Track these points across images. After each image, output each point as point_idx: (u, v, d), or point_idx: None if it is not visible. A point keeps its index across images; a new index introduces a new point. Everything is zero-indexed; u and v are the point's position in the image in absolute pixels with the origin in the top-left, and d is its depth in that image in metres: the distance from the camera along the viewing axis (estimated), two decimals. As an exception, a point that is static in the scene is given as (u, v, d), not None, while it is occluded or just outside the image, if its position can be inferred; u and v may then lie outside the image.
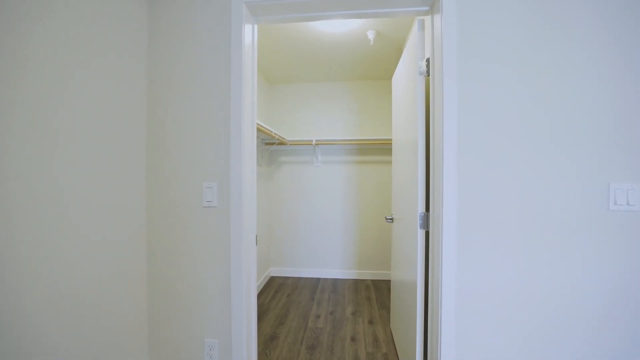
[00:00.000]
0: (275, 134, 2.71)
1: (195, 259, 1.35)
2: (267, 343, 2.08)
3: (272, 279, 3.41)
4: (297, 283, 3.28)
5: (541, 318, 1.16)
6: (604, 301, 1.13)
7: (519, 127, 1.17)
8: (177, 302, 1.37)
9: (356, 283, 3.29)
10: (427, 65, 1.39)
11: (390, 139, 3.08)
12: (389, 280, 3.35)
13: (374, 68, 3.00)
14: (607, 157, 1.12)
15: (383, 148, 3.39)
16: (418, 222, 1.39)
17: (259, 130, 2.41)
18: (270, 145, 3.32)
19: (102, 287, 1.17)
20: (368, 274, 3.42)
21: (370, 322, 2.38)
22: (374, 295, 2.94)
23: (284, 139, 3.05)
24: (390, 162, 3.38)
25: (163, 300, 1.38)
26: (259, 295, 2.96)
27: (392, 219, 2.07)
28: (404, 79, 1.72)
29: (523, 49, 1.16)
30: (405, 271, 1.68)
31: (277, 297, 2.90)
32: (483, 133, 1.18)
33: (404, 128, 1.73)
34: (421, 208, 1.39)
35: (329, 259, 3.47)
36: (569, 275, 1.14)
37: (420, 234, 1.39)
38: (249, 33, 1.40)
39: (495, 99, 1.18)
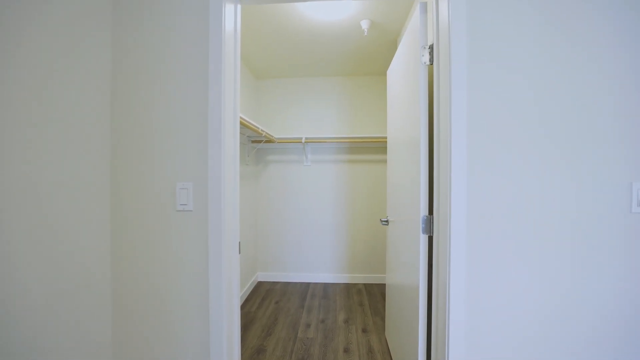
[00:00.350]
0: (262, 130, 2.54)
1: (167, 272, 1.16)
2: (253, 357, 1.90)
3: (260, 285, 3.23)
4: (285, 288, 3.11)
5: (564, 334, 1.04)
6: (627, 312, 1.02)
7: (533, 124, 1.05)
8: (145, 322, 1.18)
9: (348, 287, 3.15)
10: (430, 53, 1.25)
11: (385, 137, 2.96)
12: (382, 284, 3.23)
13: (368, 62, 2.87)
14: (629, 155, 1.02)
15: (377, 146, 3.26)
16: (420, 226, 1.26)
17: (244, 126, 2.23)
18: (257, 143, 3.14)
19: (54, 305, 0.97)
20: (360, 278, 3.29)
21: (364, 330, 2.24)
22: (367, 300, 2.81)
23: (272, 136, 2.88)
24: (384, 161, 3.25)
25: (129, 320, 1.19)
26: (245, 302, 2.77)
27: (387, 221, 1.94)
28: (403, 70, 1.59)
29: (539, 39, 1.04)
30: (404, 277, 1.55)
31: (265, 304, 2.73)
32: (494, 129, 1.06)
33: (402, 124, 1.60)
34: (424, 211, 1.26)
35: (320, 263, 3.32)
36: (587, 283, 1.03)
37: (423, 239, 1.26)
38: (231, 13, 1.23)
39: (508, 91, 1.05)
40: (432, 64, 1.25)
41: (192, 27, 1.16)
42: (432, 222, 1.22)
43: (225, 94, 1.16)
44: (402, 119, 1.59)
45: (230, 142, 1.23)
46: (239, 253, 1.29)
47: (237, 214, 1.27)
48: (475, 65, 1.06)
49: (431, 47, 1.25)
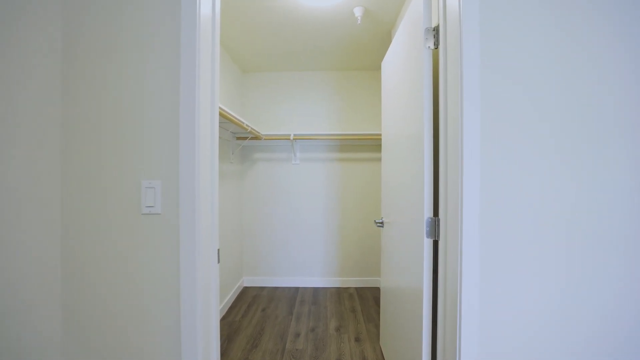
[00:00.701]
0: (247, 125, 2.36)
1: (131, 288, 0.98)
2: (236, 374, 1.73)
3: (245, 290, 3.04)
4: (273, 294, 2.94)
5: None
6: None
7: (551, 118, 0.93)
8: (104, 349, 1.00)
9: (339, 292, 3.01)
10: (435, 36, 1.12)
11: (379, 134, 2.83)
12: (375, 288, 3.10)
13: (360, 55, 2.73)
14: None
15: (370, 144, 3.13)
16: (424, 229, 1.13)
17: (227, 119, 2.05)
18: (243, 139, 2.95)
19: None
20: (352, 281, 3.15)
21: (357, 339, 2.10)
22: (359, 306, 2.68)
23: (258, 132, 2.70)
24: (378, 159, 3.13)
25: (83, 348, 1.00)
26: (229, 310, 2.59)
27: (382, 222, 1.81)
28: (402, 58, 1.45)
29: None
30: (403, 282, 1.41)
31: (251, 312, 2.55)
32: (508, 122, 0.93)
33: (402, 115, 1.46)
34: (428, 212, 1.13)
35: (309, 266, 3.16)
36: (612, 290, 0.93)
37: (427, 243, 1.13)
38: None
39: (530, 74, 0.93)
40: (436, 48, 1.12)
41: (162, -1, 0.99)
42: (438, 225, 1.09)
43: (200, 79, 0.99)
44: (402, 110, 1.46)
45: (207, 135, 1.06)
46: (218, 262, 1.13)
47: (216, 218, 1.10)
48: (492, 31, 0.94)
49: (435, 30, 1.12)
